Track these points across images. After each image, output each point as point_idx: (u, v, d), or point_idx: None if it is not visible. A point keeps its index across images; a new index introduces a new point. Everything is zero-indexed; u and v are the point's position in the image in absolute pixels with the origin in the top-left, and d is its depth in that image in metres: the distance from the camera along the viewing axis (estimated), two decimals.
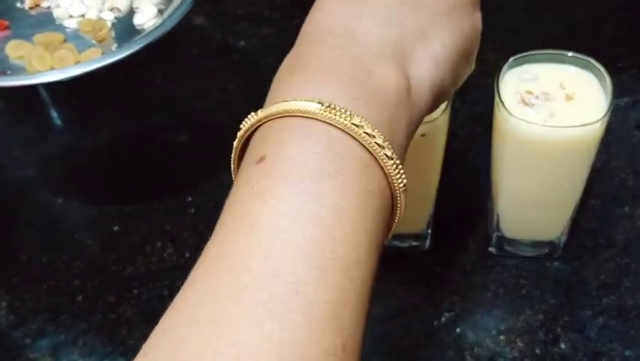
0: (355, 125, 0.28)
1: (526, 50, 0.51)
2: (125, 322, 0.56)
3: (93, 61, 0.56)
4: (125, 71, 0.76)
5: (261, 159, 0.28)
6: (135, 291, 0.58)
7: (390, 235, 0.31)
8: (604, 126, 0.48)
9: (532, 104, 0.48)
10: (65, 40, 0.63)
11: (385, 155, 0.28)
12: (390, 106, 0.29)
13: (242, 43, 0.77)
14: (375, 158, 0.28)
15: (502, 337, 0.53)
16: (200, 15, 0.80)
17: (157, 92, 0.74)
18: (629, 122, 0.65)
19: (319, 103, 0.28)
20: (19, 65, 0.61)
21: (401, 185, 0.29)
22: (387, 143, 0.28)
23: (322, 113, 0.28)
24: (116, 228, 0.62)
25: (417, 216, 0.56)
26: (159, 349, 0.25)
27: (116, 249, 0.61)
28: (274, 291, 0.24)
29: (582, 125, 0.46)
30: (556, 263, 0.57)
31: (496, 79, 0.49)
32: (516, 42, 0.71)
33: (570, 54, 0.50)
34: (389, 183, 0.29)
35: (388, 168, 0.28)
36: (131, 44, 0.56)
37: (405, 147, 0.31)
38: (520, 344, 0.53)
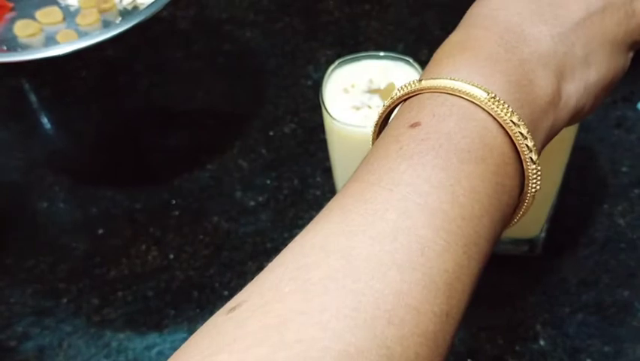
0: (513, 122, 0.29)
1: None
2: (109, 324, 0.56)
3: (99, 33, 0.56)
4: (111, 75, 0.77)
5: (415, 124, 0.29)
6: (120, 293, 0.58)
7: (502, 232, 0.32)
8: (576, 127, 0.48)
9: None
10: (64, 19, 0.62)
11: (531, 158, 0.30)
12: (540, 113, 0.31)
13: (227, 46, 0.77)
14: (520, 158, 0.30)
15: (482, 334, 0.54)
16: (184, 19, 0.81)
17: (143, 95, 0.75)
18: (609, 121, 0.66)
19: (485, 91, 0.29)
20: (28, 43, 0.60)
21: (534, 190, 0.31)
22: (535, 148, 0.30)
23: (486, 102, 0.29)
24: (100, 231, 0.63)
25: None
26: (287, 270, 0.26)
27: (100, 252, 0.61)
28: (403, 245, 0.26)
29: None
30: (535, 261, 0.58)
31: None
32: None
33: None
34: (523, 184, 0.30)
35: (530, 171, 0.30)
36: (133, 16, 0.56)
37: (539, 154, 0.32)
38: (500, 341, 0.53)
